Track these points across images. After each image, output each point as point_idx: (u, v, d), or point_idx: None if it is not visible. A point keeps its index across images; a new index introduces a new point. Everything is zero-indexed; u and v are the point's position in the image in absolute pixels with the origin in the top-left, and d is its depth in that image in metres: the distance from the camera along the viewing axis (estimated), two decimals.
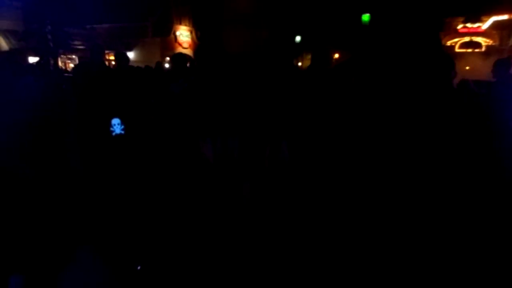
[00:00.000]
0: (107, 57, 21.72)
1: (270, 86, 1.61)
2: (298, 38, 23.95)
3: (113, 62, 20.55)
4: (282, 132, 1.55)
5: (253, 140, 1.50)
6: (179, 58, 3.91)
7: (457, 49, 24.34)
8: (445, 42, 24.35)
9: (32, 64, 8.05)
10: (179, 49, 23.02)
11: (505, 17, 20.26)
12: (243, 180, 1.55)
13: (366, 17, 14.46)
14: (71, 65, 18.68)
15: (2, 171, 1.42)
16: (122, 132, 3.02)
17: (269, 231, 1.65)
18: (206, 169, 1.54)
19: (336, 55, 23.15)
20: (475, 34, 23.75)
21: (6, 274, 1.88)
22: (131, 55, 20.33)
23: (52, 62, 15.72)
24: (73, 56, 20.62)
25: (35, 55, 14.12)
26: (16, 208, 2.03)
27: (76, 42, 18.63)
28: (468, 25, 23.95)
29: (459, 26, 24.24)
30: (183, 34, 25.43)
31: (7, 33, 17.05)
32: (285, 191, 1.61)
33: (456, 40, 24.50)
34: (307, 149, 1.71)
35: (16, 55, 3.93)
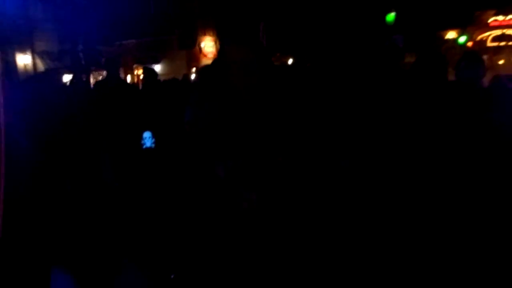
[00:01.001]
0: (136, 72, 22.43)
1: (265, 116, 1.86)
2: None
3: (141, 77, 21.22)
4: (278, 148, 1.83)
5: (255, 160, 1.74)
6: (204, 71, 4.02)
7: (489, 43, 23.42)
8: (476, 37, 23.51)
9: (65, 84, 8.44)
10: (204, 60, 23.44)
11: None
12: (250, 191, 1.77)
13: (391, 17, 14.19)
14: None
15: (47, 185, 1.53)
16: (153, 145, 3.12)
17: (275, 235, 1.80)
18: (217, 185, 1.77)
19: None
20: (507, 27, 22.77)
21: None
22: (158, 68, 20.89)
23: (84, 79, 16.40)
24: (104, 73, 21.40)
25: (69, 73, 14.82)
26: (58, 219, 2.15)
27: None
28: (499, 17, 23.01)
29: (490, 20, 23.34)
30: (208, 45, 25.86)
31: (43, 54, 17.95)
32: (286, 197, 1.79)
33: (487, 34, 23.58)
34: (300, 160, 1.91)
35: (52, 75, 4.14)
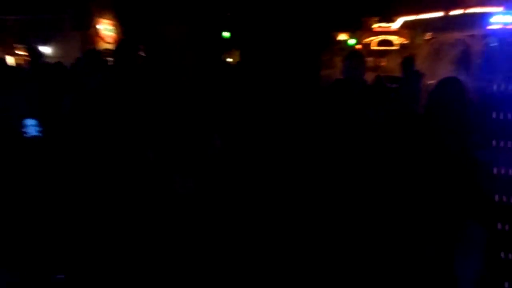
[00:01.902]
0: (18, 52, 19.81)
1: (198, 91, 1.84)
2: (227, 34, 23.98)
3: (25, 58, 18.75)
4: (212, 126, 1.84)
5: (186, 137, 1.73)
6: (91, 55, 3.86)
7: (373, 47, 26.26)
8: (362, 40, 26.14)
9: None
10: (102, 44, 21.78)
11: (412, 17, 22.28)
12: (175, 172, 1.76)
13: None
14: None
15: None
16: (39, 134, 2.80)
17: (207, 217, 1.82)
18: (147, 167, 1.72)
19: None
20: (388, 33, 25.81)
21: None
22: (48, 50, 18.74)
23: None
24: None
25: None
26: None
27: None
28: (382, 24, 25.96)
29: (374, 26, 26.18)
30: (107, 29, 24.06)
31: None
32: (221, 179, 1.84)
33: (372, 38, 26.39)
34: (238, 138, 1.97)
35: None
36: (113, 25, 24.46)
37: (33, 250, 2.14)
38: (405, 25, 23.65)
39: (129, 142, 1.67)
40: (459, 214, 1.89)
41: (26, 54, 5.29)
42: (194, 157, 1.85)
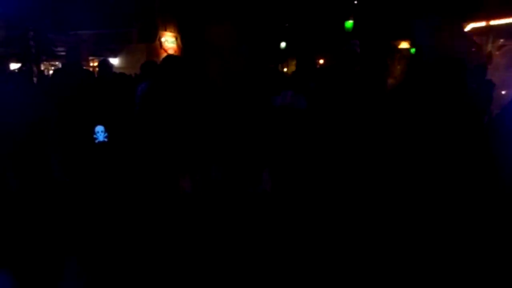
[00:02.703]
0: (91, 64, 21.51)
1: (248, 115, 1.77)
2: (283, 44, 24.12)
3: (97, 69, 20.27)
4: (263, 161, 1.76)
5: (235, 170, 1.67)
6: (147, 66, 4.16)
7: None
8: None
9: (13, 71, 7.93)
10: (165, 55, 22.92)
11: (482, 24, 20.83)
12: (224, 207, 1.75)
13: (349, 24, 14.68)
14: None
15: None
16: (106, 139, 3.01)
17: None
18: (183, 199, 1.72)
19: (321, 61, 23.59)
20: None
21: None
22: (115, 61, 20.16)
23: (34, 68, 15.49)
24: (57, 63, 20.33)
25: (17, 62, 13.89)
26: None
27: (59, 49, 18.38)
28: None
29: None
30: (168, 41, 25.35)
31: None
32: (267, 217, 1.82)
33: None
34: (290, 178, 1.95)
35: None
36: (175, 37, 25.72)
37: (102, 247, 2.31)
38: (474, 31, 22.16)
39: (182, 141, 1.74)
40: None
41: (97, 66, 5.74)
42: (243, 192, 1.85)
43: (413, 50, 23.64)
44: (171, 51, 24.89)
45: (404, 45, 25.43)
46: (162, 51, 24.49)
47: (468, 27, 20.50)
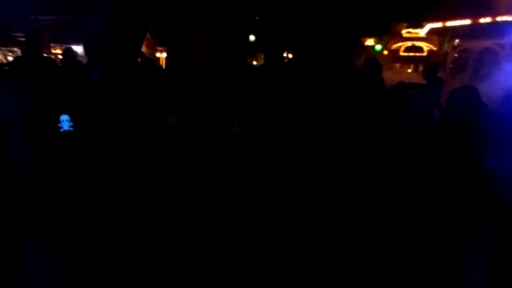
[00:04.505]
0: (53, 51, 20.63)
1: (225, 79, 2.04)
2: (252, 38, 24.14)
3: (60, 57, 19.54)
4: (234, 110, 2.10)
5: (207, 117, 1.95)
6: (67, 53, 4.30)
7: (401, 53, 25.84)
8: (391, 46, 25.76)
9: None
10: None
11: (439, 24, 21.78)
12: (196, 150, 1.98)
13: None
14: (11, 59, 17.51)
15: None
16: (71, 129, 3.00)
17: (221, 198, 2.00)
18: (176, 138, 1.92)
19: (290, 55, 23.86)
20: (417, 39, 25.34)
21: None
22: (80, 49, 19.47)
23: None
24: (15, 49, 19.36)
25: None
26: None
27: (18, 34, 17.51)
28: (411, 30, 25.51)
29: (403, 31, 25.75)
30: None
31: None
32: (237, 159, 2.04)
33: (400, 44, 25.98)
34: (256, 124, 2.23)
35: None
36: None
37: (69, 235, 2.33)
38: (433, 31, 23.16)
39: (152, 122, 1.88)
40: (469, 219, 1.92)
41: (61, 53, 5.60)
42: (213, 138, 2.08)
43: (377, 48, 24.41)
44: None
45: (370, 42, 26.19)
46: None
47: (427, 28, 21.37)
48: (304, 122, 2.64)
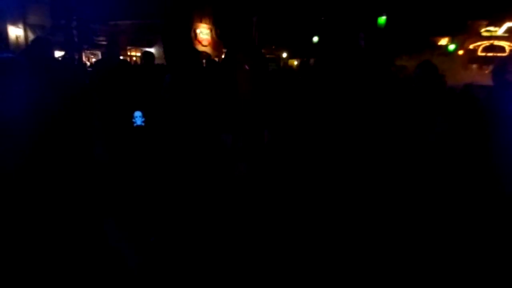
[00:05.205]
0: (129, 53, 22.24)
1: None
2: (315, 39, 23.92)
3: (134, 58, 20.98)
4: (264, 123, 2.48)
5: (249, 133, 2.27)
6: (147, 56, 4.61)
7: (479, 53, 23.98)
8: (467, 46, 24.01)
9: (57, 58, 8.47)
10: (199, 47, 23.44)
11: None
12: (241, 162, 2.30)
13: (381, 20, 14.44)
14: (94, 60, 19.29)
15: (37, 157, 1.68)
16: (142, 124, 3.34)
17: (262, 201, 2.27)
18: (221, 154, 2.25)
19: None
20: (497, 38, 23.33)
21: None
22: (152, 51, 20.81)
23: (76, 57, 16.35)
24: (97, 52, 21.29)
25: (60, 50, 14.74)
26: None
27: (100, 38, 19.24)
28: (491, 28, 23.55)
29: (482, 30, 23.87)
30: (203, 32, 25.81)
31: (35, 27, 17.74)
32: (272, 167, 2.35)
33: (478, 43, 24.12)
34: (284, 134, 2.60)
35: (42, 43, 4.22)
36: (209, 28, 26.17)
37: (138, 217, 2.64)
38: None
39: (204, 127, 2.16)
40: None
41: (141, 56, 6.13)
42: (248, 146, 2.39)
43: (450, 48, 22.86)
44: (205, 43, 25.40)
45: (443, 41, 24.61)
46: (197, 42, 25.02)
47: (504, 27, 19.49)
48: (352, 122, 2.71)
